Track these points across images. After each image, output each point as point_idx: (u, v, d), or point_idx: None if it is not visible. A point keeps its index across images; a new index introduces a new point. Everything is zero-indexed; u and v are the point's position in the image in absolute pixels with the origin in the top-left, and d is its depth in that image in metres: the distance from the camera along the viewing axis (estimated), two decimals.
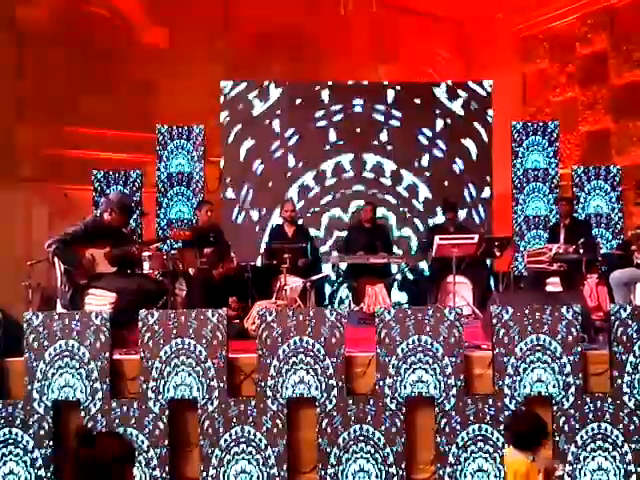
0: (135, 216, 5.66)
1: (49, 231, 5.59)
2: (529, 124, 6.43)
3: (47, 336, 3.46)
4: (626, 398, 3.35)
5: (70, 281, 3.96)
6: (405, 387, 3.38)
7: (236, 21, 8.03)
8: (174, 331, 3.44)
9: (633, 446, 3.33)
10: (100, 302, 3.94)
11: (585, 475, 3.35)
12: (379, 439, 3.35)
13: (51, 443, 3.38)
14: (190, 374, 3.41)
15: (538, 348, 3.39)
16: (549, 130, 6.32)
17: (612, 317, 3.41)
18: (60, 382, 3.43)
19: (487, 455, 3.35)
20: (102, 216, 4.13)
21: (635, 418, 3.33)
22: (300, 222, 5.98)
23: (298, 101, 6.78)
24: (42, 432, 3.39)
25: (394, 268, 5.88)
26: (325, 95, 6.81)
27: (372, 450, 3.35)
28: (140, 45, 7.81)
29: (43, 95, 7.04)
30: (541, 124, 6.42)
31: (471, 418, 3.36)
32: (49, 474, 3.38)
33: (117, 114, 7.31)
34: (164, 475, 3.35)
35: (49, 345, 3.46)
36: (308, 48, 8.07)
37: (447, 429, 3.36)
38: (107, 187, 5.81)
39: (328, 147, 6.80)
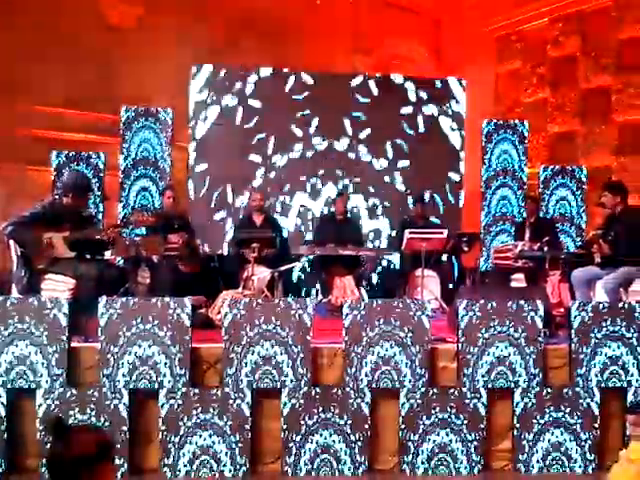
0: (96, 200, 5.47)
1: (4, 213, 5.35)
2: (500, 123, 6.51)
3: (1, 322, 3.32)
4: (583, 390, 3.45)
5: (27, 265, 3.80)
6: (371, 378, 3.38)
7: (210, 4, 7.84)
8: (135, 319, 3.34)
9: (590, 436, 3.43)
10: (58, 288, 3.79)
11: (541, 465, 3.43)
12: (344, 430, 3.34)
13: (5, 432, 3.25)
14: (152, 363, 3.32)
15: (501, 342, 3.46)
16: (519, 130, 6.41)
17: (572, 313, 3.51)
18: (15, 370, 3.30)
19: (450, 447, 3.38)
20: (61, 199, 3.97)
21: (591, 409, 3.43)
22: (269, 212, 5.90)
23: (269, 87, 6.67)
24: None
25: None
26: (297, 83, 6.72)
27: (337, 441, 3.34)
28: (107, 24, 7.54)
29: (3, 72, 6.72)
30: (511, 123, 6.51)
31: (435, 410, 3.39)
32: (2, 463, 3.25)
33: (82, 94, 7.04)
34: (123, 465, 3.26)
35: (3, 331, 3.31)
36: (282, 34, 7.96)
37: (411, 420, 3.37)
38: (67, 169, 5.56)
39: (299, 135, 6.72)
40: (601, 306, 3.55)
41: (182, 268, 4.58)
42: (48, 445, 1.66)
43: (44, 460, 1.60)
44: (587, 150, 8.53)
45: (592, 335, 3.49)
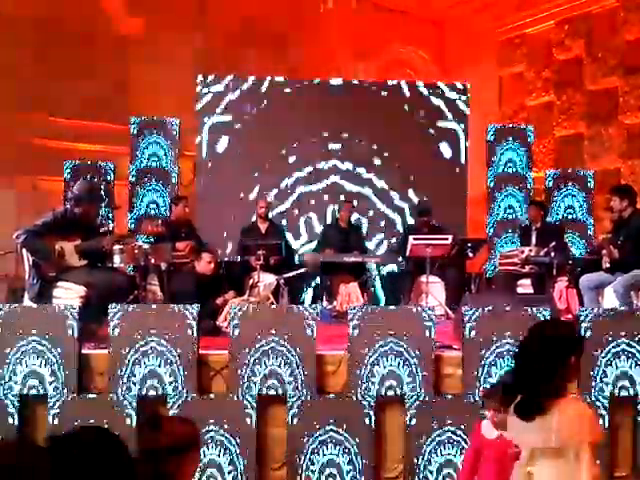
0: (106, 208, 5.55)
1: (17, 222, 5.45)
2: (505, 127, 6.50)
3: (14, 329, 3.38)
4: (592, 399, 3.41)
5: (38, 274, 3.87)
6: (376, 386, 3.40)
7: (214, 14, 7.95)
8: (144, 326, 3.39)
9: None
10: (69, 296, 3.86)
11: None
12: (349, 437, 3.36)
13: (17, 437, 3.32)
14: (160, 370, 3.37)
15: (508, 349, 3.44)
16: (524, 134, 6.40)
17: (580, 320, 3.48)
18: (27, 376, 3.36)
19: (455, 454, 3.39)
20: (72, 209, 4.05)
21: (600, 419, 3.37)
22: (273, 218, 5.94)
23: (273, 96, 6.72)
24: (8, 426, 3.31)
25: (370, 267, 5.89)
26: (300, 91, 6.76)
27: (342, 448, 3.36)
28: (116, 35, 7.66)
29: (14, 82, 6.85)
30: (517, 128, 6.49)
31: (441, 417, 3.39)
32: None
33: (91, 104, 7.16)
34: None
35: (16, 339, 3.38)
36: (286, 44, 8.04)
37: (417, 428, 3.38)
38: (77, 179, 5.63)
39: (303, 144, 6.75)
40: (611, 312, 3.51)
41: (197, 266, 4.60)
42: (142, 435, 1.88)
43: (137, 448, 1.82)
44: (594, 153, 8.48)
45: (602, 342, 3.42)
